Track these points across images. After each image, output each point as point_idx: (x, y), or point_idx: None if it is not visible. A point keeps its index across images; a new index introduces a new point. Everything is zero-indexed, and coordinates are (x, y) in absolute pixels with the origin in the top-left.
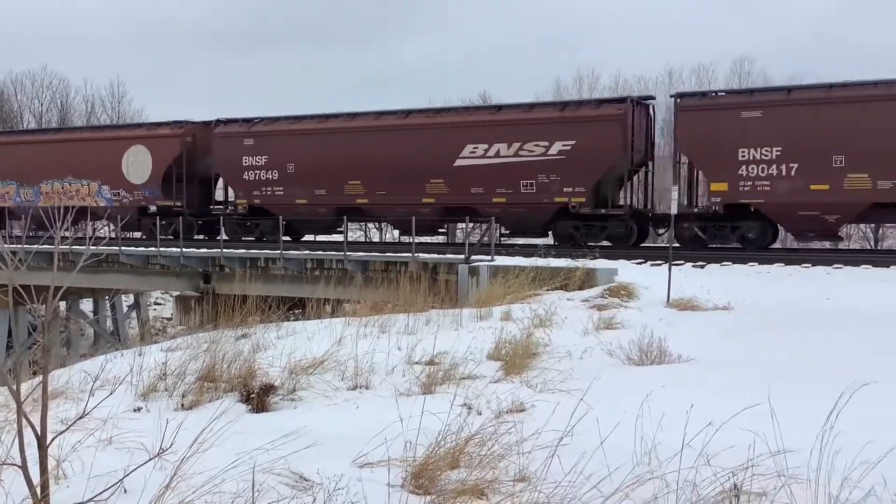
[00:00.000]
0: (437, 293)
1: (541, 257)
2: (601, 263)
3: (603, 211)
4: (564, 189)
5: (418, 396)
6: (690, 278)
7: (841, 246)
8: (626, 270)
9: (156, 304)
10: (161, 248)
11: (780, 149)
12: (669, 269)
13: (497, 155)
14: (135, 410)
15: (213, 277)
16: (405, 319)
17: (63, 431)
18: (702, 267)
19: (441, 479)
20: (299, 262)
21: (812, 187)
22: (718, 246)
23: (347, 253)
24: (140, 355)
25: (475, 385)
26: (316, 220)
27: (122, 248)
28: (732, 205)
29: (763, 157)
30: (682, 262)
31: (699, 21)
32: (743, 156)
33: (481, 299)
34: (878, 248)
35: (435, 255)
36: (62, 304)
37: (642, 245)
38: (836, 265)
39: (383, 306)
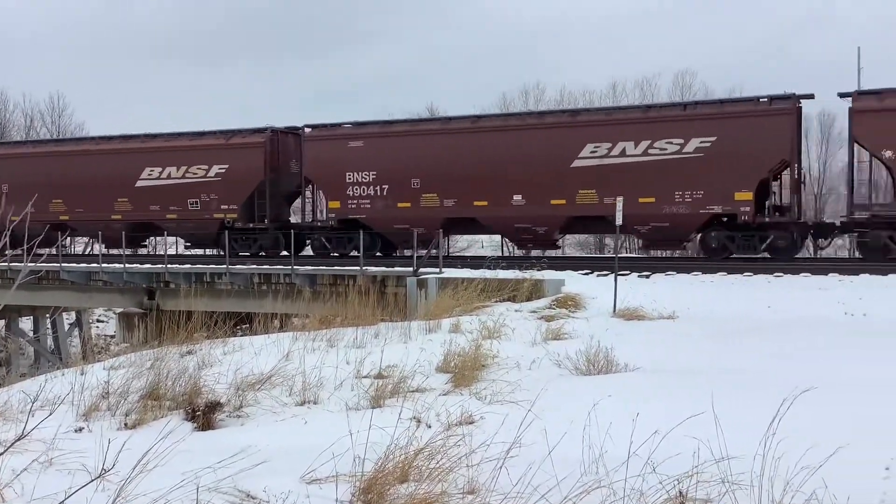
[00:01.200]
0: (386, 306)
1: (489, 269)
2: (549, 275)
3: (252, 225)
4: (222, 206)
5: (367, 410)
6: (636, 288)
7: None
8: (574, 281)
9: (98, 321)
10: (104, 265)
11: (375, 173)
12: (615, 280)
13: (169, 177)
14: (76, 431)
15: (158, 293)
16: (354, 333)
17: (1, 454)
18: (647, 277)
19: (390, 493)
20: (246, 277)
21: (399, 205)
22: (662, 256)
23: (295, 267)
24: (82, 374)
25: (424, 398)
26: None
27: (63, 264)
28: (346, 219)
29: (364, 179)
30: (628, 272)
31: (645, 35)
32: (350, 178)
33: (430, 312)
34: (818, 256)
35: (383, 268)
36: (0, 323)
37: (591, 256)
38: (776, 273)
39: (332, 320)
